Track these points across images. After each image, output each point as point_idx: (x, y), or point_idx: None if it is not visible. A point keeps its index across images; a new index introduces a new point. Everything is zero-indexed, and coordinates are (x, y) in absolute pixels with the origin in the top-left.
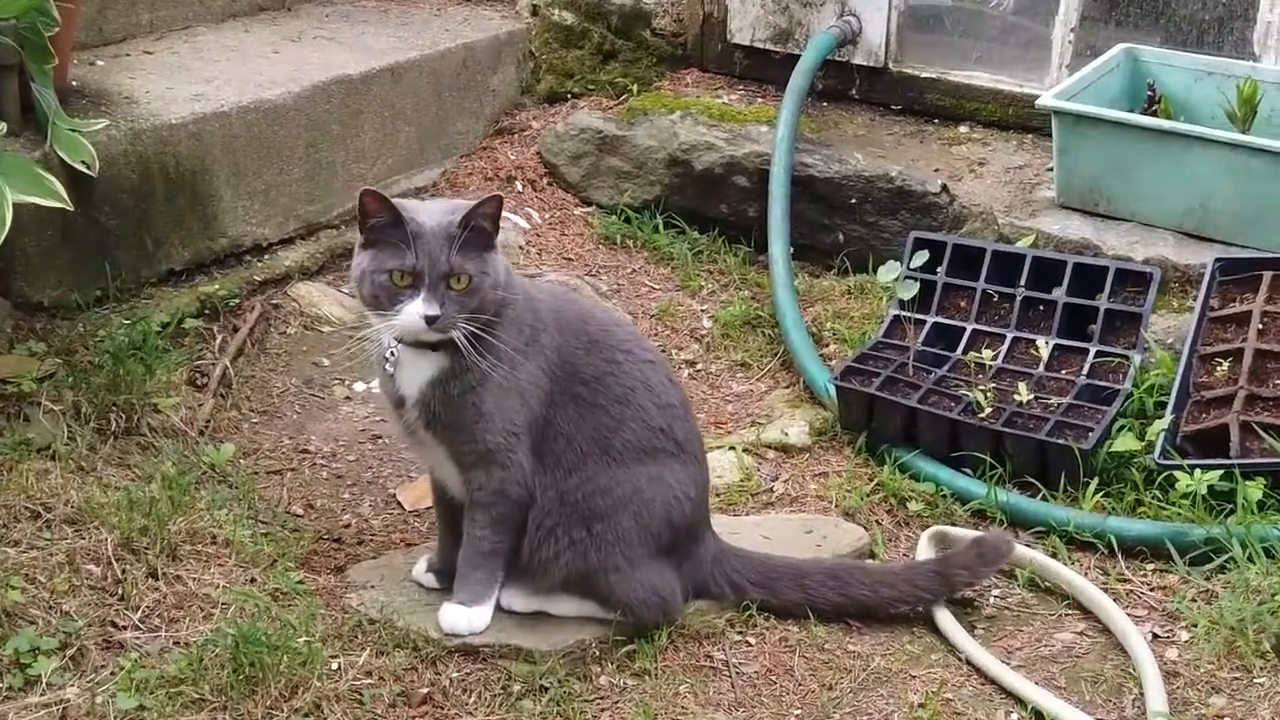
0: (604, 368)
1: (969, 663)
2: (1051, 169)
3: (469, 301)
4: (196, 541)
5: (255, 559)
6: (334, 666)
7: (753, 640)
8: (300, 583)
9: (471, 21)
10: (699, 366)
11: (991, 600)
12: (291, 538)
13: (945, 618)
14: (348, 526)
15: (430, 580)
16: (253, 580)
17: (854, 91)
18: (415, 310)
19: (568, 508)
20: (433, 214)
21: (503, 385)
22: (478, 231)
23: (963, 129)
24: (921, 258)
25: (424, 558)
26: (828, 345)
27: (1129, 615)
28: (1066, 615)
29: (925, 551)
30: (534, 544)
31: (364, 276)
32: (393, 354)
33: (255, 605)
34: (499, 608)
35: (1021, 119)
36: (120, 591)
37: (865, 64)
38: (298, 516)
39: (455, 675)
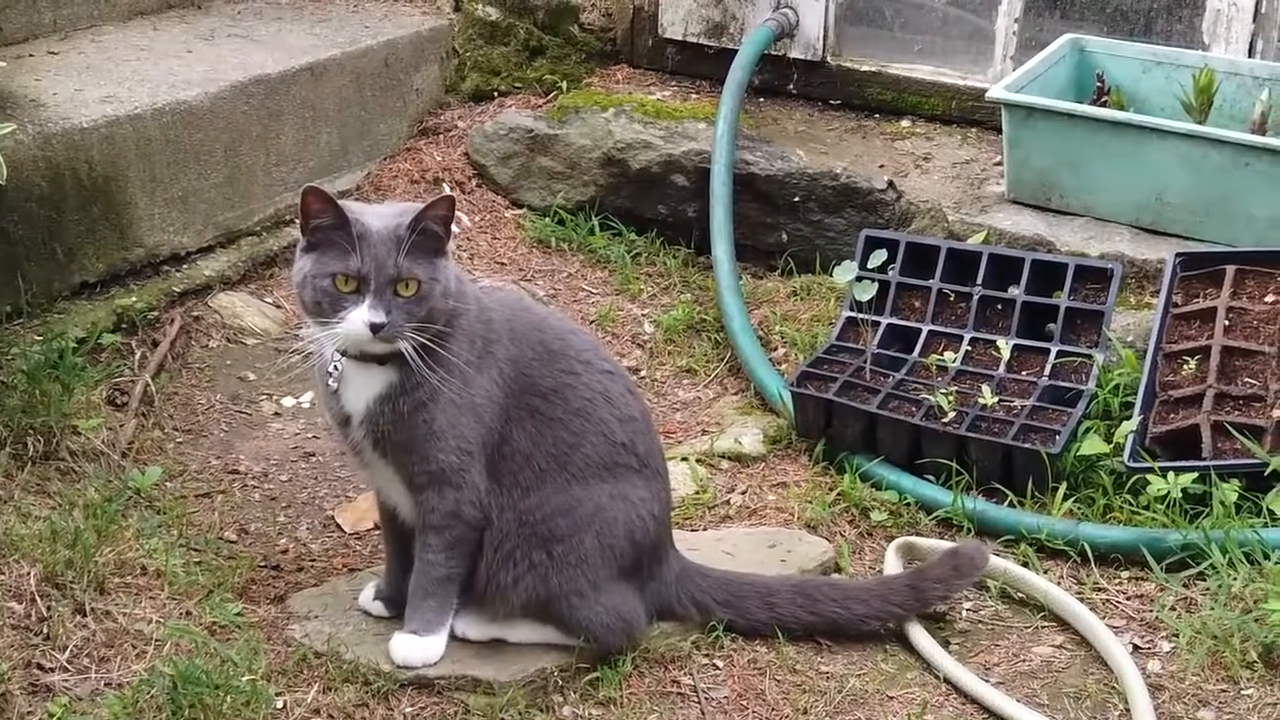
0: (562, 380)
1: (947, 681)
2: (1000, 163)
3: (418, 310)
4: (125, 573)
5: (189, 590)
6: (280, 705)
7: (721, 663)
8: (239, 615)
9: (391, 18)
10: (643, 374)
11: (964, 614)
12: (226, 566)
13: (919, 634)
14: (285, 552)
15: (378, 608)
16: (188, 614)
17: (791, 86)
18: (360, 318)
19: (526, 529)
20: (380, 216)
21: (455, 401)
22: (428, 235)
23: (905, 123)
24: (880, 257)
25: (370, 584)
26: (776, 349)
27: (1107, 626)
28: (1043, 627)
29: (893, 564)
30: (491, 568)
31: (305, 281)
32: (337, 368)
33: (192, 641)
34: (453, 636)
35: (965, 112)
36: (45, 630)
37: (803, 58)
38: (231, 543)
39: (409, 710)
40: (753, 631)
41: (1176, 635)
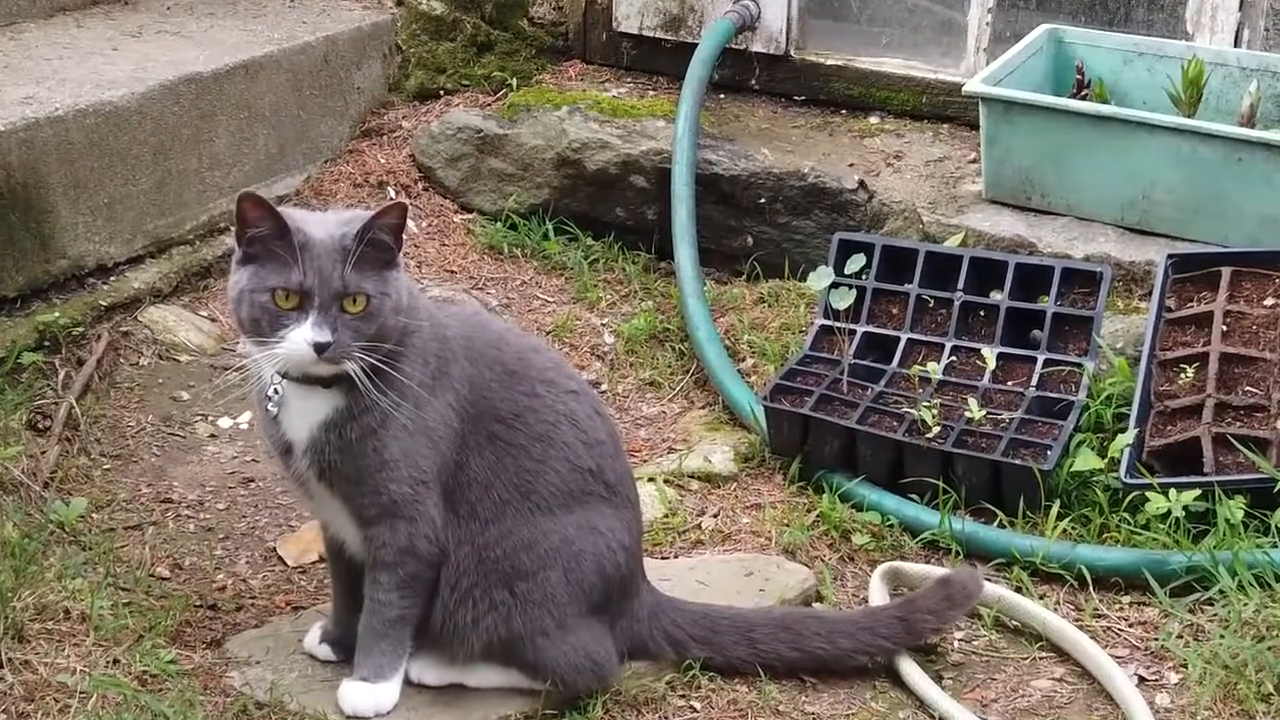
0: (523, 402)
1: None
2: (975, 161)
3: (366, 327)
4: (47, 618)
5: (117, 636)
6: None
7: (698, 705)
8: (172, 662)
9: (330, 12)
10: (604, 387)
11: (956, 645)
12: (159, 607)
13: (910, 668)
14: (223, 589)
15: (325, 652)
16: (115, 662)
17: (753, 82)
18: (302, 337)
19: (487, 565)
20: (324, 224)
21: (408, 427)
22: (377, 245)
23: (873, 119)
24: (858, 262)
25: (316, 625)
26: (744, 359)
27: (1110, 656)
28: (1041, 658)
29: (878, 591)
30: (448, 608)
31: (241, 296)
32: (276, 392)
33: (120, 693)
34: (408, 682)
35: (937, 107)
36: None
37: (765, 51)
38: (164, 580)
39: None
40: (732, 669)
41: (1185, 666)
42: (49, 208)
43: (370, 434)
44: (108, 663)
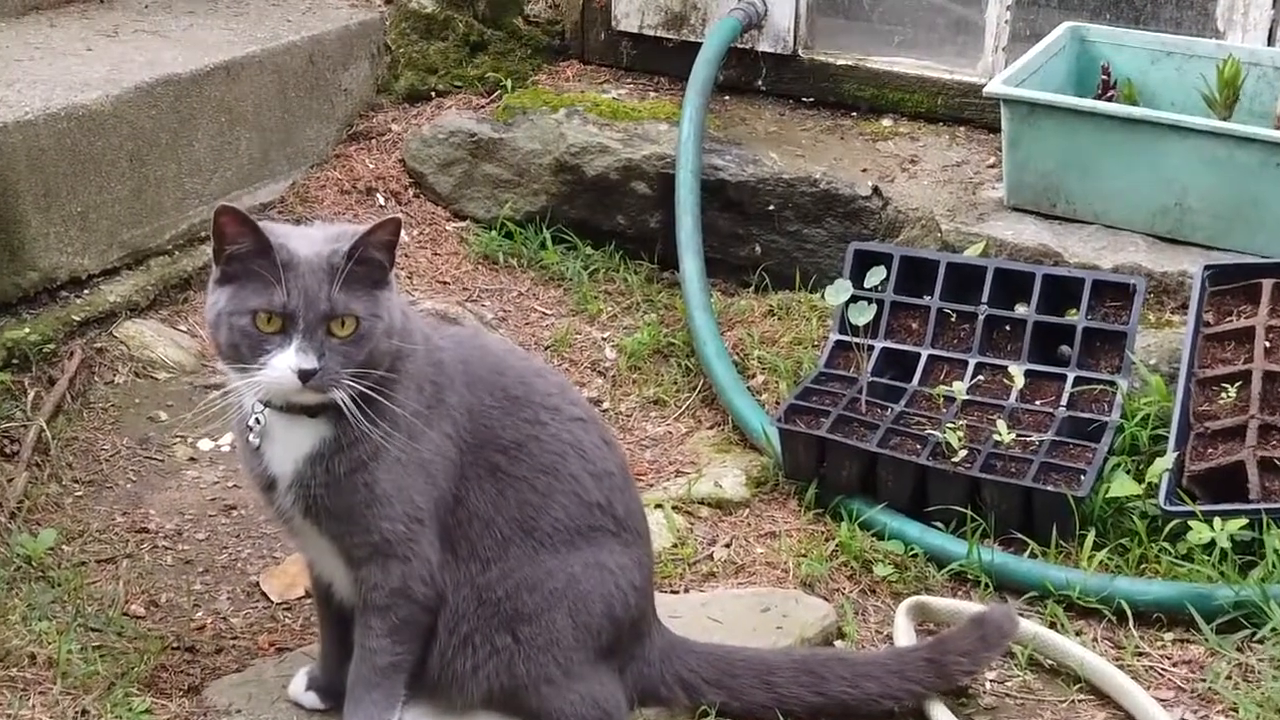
0: (526, 431)
1: None
2: (995, 165)
3: (356, 352)
4: (10, 664)
5: (87, 683)
6: None
7: None
8: (146, 712)
9: (316, 11)
10: (605, 406)
11: (988, 686)
12: (132, 650)
13: (941, 713)
14: (202, 629)
15: (312, 700)
16: (85, 713)
17: (760, 82)
18: (286, 363)
19: (487, 608)
20: (310, 240)
21: (401, 460)
22: (368, 264)
23: (886, 122)
24: (878, 275)
25: (302, 670)
26: (754, 376)
27: (1155, 699)
28: (1081, 700)
29: (903, 627)
30: (446, 654)
31: (220, 319)
32: (258, 422)
33: None
34: None
35: (953, 109)
36: None
37: (772, 51)
38: (138, 619)
39: None
40: (749, 715)
41: (1235, 710)
42: (18, 217)
43: (360, 468)
44: (76, 714)
